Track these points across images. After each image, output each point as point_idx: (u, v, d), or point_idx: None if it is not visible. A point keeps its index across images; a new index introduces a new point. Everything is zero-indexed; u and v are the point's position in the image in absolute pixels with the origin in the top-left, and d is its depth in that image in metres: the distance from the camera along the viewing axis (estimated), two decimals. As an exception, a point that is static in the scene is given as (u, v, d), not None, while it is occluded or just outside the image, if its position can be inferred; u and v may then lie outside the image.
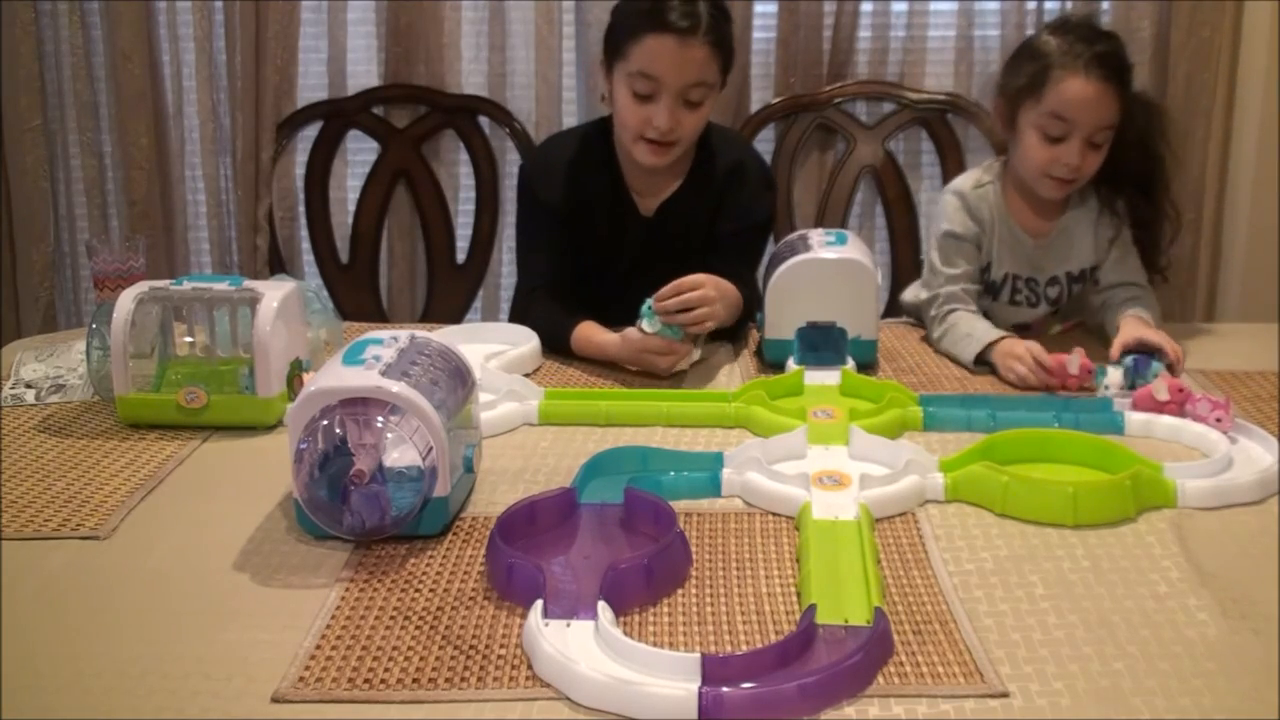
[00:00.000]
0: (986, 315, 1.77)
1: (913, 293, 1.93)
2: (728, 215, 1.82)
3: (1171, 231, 1.86)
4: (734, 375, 1.64)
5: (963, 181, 1.87)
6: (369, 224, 2.50)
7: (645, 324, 1.60)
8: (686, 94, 1.70)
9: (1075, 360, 1.56)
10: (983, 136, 2.40)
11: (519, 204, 1.92)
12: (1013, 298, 1.83)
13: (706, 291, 1.58)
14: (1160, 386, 1.45)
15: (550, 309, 1.77)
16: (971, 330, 1.71)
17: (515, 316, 1.87)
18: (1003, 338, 1.66)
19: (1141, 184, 1.80)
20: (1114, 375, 1.54)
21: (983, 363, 1.67)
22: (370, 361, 1.16)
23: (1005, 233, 1.81)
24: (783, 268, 1.63)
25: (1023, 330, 1.79)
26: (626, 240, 1.83)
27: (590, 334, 1.70)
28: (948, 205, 1.83)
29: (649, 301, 1.59)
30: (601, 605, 0.97)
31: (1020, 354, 1.61)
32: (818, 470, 1.25)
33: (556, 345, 1.72)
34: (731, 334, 1.79)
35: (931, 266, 1.83)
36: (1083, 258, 1.81)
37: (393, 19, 2.43)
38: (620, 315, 1.67)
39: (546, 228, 1.84)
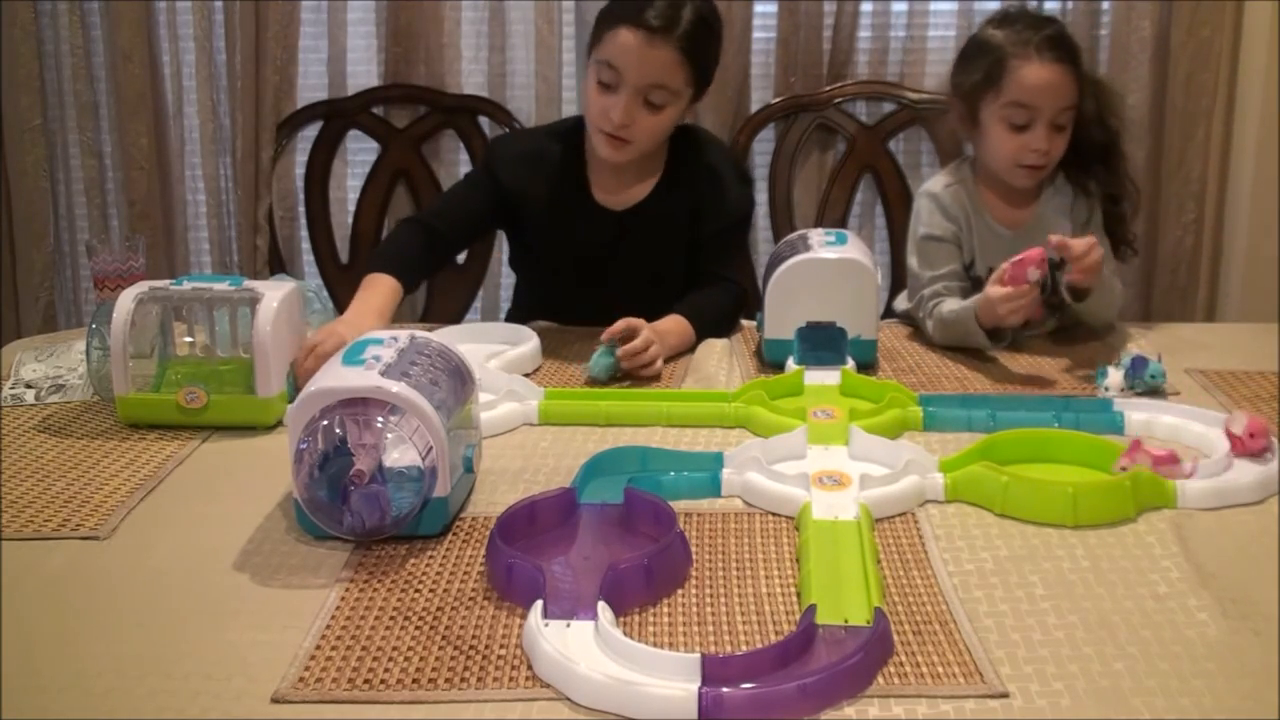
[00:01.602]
0: None
1: (903, 302, 1.94)
2: (708, 216, 1.84)
3: (1132, 205, 1.88)
4: (734, 375, 1.64)
5: (933, 184, 1.89)
6: (369, 224, 2.50)
7: (599, 371, 1.59)
8: (647, 93, 1.71)
9: (1021, 262, 1.57)
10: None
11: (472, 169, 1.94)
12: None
13: (649, 335, 1.62)
14: (1239, 420, 1.35)
15: (407, 240, 1.82)
16: (955, 310, 1.71)
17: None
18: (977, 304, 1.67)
19: (1104, 159, 1.82)
20: (1114, 376, 1.54)
21: (997, 337, 1.69)
22: (370, 361, 1.16)
23: (982, 228, 1.82)
24: (783, 268, 1.63)
25: (1020, 326, 1.79)
26: (591, 235, 1.84)
27: (370, 289, 1.70)
28: (922, 210, 1.85)
29: (610, 346, 1.59)
30: (601, 605, 0.97)
31: (995, 295, 1.61)
32: (818, 470, 1.25)
33: (369, 264, 1.76)
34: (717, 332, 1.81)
35: (912, 272, 1.84)
36: None
37: (393, 19, 2.43)
38: (590, 312, 1.69)
39: (478, 193, 1.87)
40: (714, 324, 1.79)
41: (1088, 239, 1.65)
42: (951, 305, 1.74)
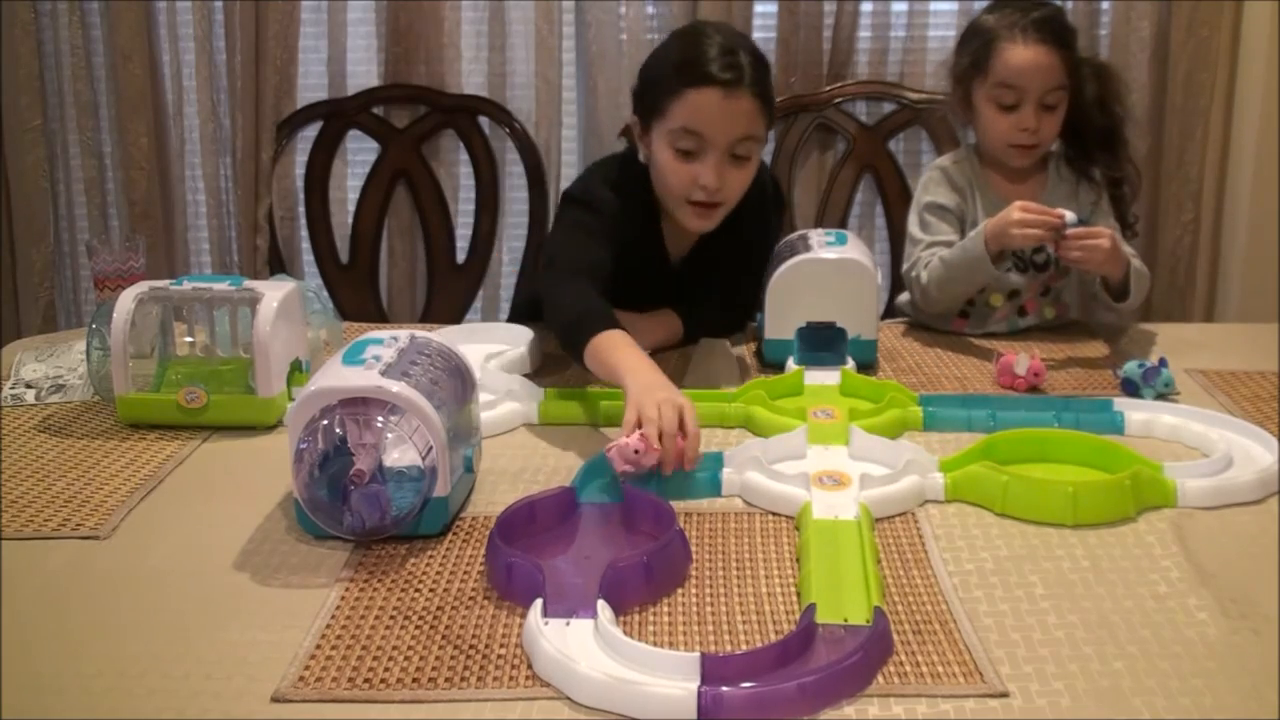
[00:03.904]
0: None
1: (905, 303, 1.96)
2: (744, 244, 1.75)
3: (1133, 190, 1.92)
4: (734, 375, 1.64)
5: (943, 159, 1.94)
6: (369, 224, 2.50)
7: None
8: (734, 149, 1.59)
9: (1024, 361, 1.57)
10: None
11: (571, 208, 1.69)
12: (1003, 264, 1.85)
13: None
14: (1022, 361, 1.55)
15: (592, 295, 1.52)
16: (957, 244, 1.76)
17: (545, 290, 1.60)
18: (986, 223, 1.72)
19: (1106, 144, 1.86)
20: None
21: (996, 259, 1.73)
22: (370, 361, 1.16)
23: (987, 201, 1.86)
24: (783, 268, 1.63)
25: (1016, 297, 1.84)
26: (653, 286, 1.75)
27: (623, 342, 1.42)
28: (930, 179, 1.90)
29: None
30: (601, 604, 0.97)
31: (1006, 214, 1.66)
32: (818, 470, 1.25)
33: (575, 334, 1.46)
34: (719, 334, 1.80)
35: (911, 238, 1.89)
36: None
37: (393, 19, 2.44)
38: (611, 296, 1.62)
39: (607, 226, 1.65)
40: (713, 330, 1.78)
41: (1097, 229, 1.68)
42: (947, 249, 1.79)
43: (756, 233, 1.76)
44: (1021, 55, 1.76)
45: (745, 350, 1.76)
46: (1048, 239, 1.66)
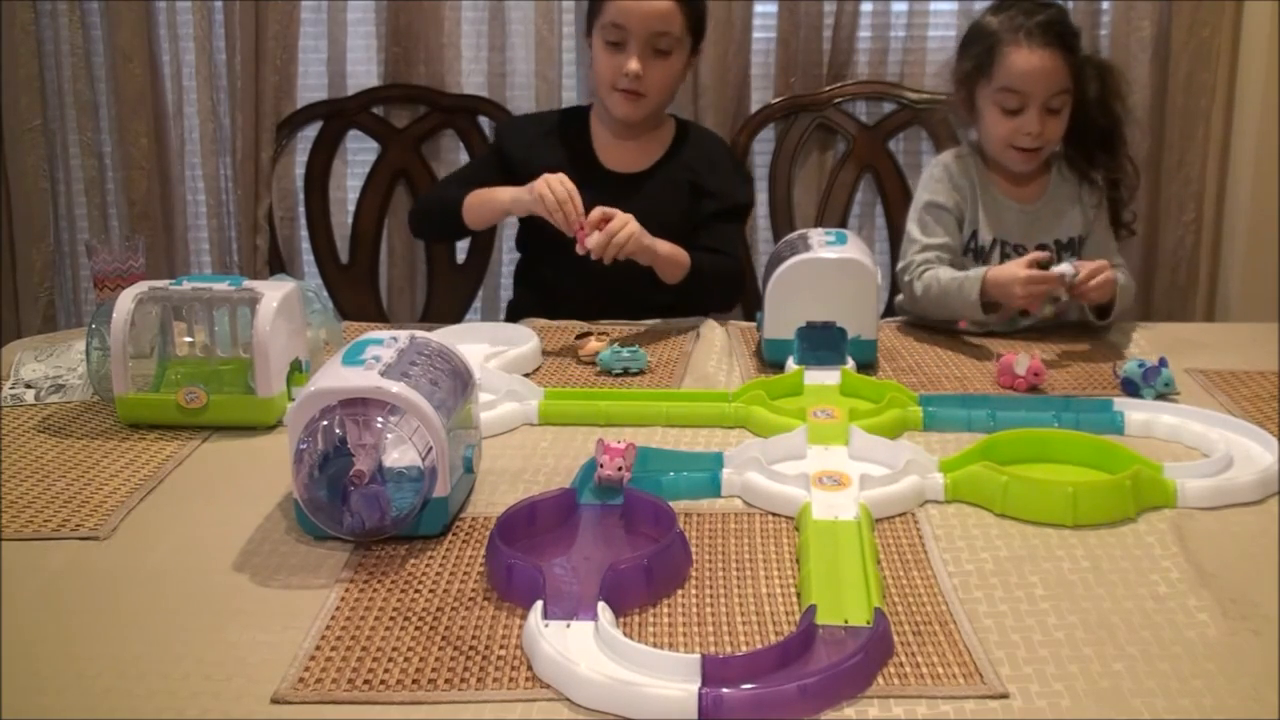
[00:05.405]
0: None
1: (904, 303, 1.96)
2: (709, 196, 1.96)
3: (1129, 191, 1.93)
4: (734, 375, 1.64)
5: (946, 155, 1.94)
6: (369, 224, 2.50)
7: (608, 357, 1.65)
8: (654, 42, 1.87)
9: (1024, 361, 1.57)
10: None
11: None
12: (1003, 263, 1.85)
13: (623, 217, 1.72)
14: (1022, 361, 1.56)
15: (447, 192, 1.96)
16: (959, 276, 1.77)
17: (413, 211, 2.10)
18: (988, 271, 1.74)
19: (1106, 143, 1.87)
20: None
21: (988, 307, 1.74)
22: (370, 362, 1.16)
23: (988, 199, 1.86)
24: (783, 268, 1.63)
25: (1019, 313, 1.83)
26: (599, 197, 1.82)
27: (487, 193, 1.86)
28: (932, 176, 1.91)
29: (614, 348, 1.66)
30: (601, 606, 0.98)
31: (1012, 275, 1.69)
32: (818, 470, 1.25)
33: (447, 216, 1.91)
34: (703, 307, 1.90)
35: (909, 237, 1.90)
36: (1072, 226, 1.87)
37: (392, 19, 2.43)
38: (592, 287, 1.83)
39: (489, 170, 2.00)
40: (711, 278, 1.89)
41: (1097, 264, 1.70)
42: (950, 273, 1.78)
43: (720, 184, 1.97)
44: (1026, 60, 1.75)
45: (745, 350, 1.76)
46: (1053, 293, 1.69)
